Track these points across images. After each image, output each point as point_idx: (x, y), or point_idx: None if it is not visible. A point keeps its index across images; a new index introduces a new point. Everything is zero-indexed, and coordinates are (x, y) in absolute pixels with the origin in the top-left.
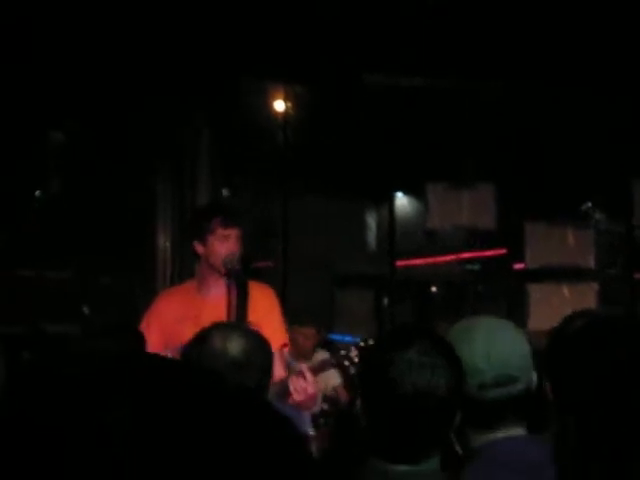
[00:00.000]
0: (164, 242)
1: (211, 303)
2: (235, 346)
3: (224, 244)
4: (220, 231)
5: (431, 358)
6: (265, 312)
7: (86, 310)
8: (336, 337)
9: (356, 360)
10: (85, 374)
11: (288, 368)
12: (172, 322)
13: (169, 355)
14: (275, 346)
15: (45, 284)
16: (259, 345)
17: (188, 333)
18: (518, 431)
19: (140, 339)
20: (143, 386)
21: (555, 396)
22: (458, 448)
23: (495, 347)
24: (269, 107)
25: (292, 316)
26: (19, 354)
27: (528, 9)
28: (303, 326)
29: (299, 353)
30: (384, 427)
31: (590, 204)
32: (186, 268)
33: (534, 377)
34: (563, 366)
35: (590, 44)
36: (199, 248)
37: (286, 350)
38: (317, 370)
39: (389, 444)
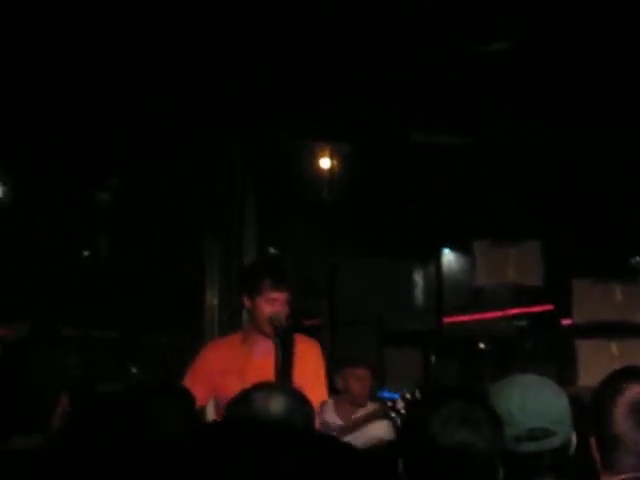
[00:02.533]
0: (212, 300)
1: (256, 359)
2: (276, 406)
3: (271, 306)
4: (268, 294)
5: (470, 414)
6: (312, 369)
7: (133, 369)
8: (385, 394)
9: (403, 411)
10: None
11: (326, 425)
12: (217, 373)
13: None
14: (315, 403)
15: (92, 343)
16: (300, 405)
17: (232, 387)
18: None
19: (187, 397)
20: None
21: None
22: None
23: (531, 401)
24: (315, 164)
25: (342, 360)
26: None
27: (564, 58)
28: (355, 367)
29: (353, 399)
30: None
31: (638, 258)
32: (234, 326)
33: (573, 433)
34: None
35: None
36: (247, 304)
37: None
38: (359, 424)
39: None
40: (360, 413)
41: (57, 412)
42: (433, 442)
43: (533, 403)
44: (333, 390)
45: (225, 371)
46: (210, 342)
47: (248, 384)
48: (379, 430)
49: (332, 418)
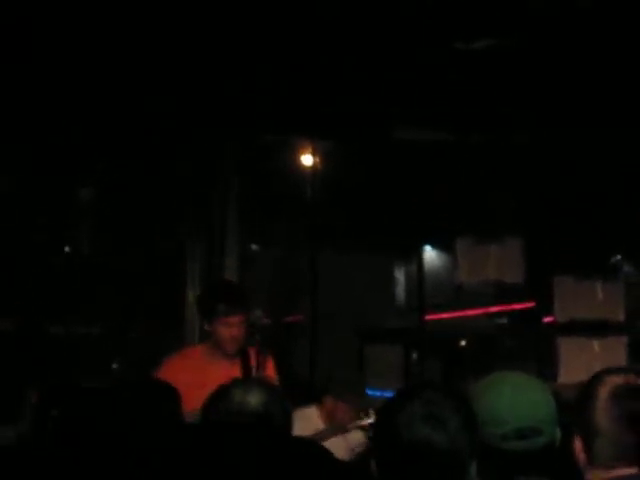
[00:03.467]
0: (193, 297)
1: (222, 372)
2: (255, 401)
3: (228, 329)
4: (224, 319)
5: (437, 411)
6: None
7: (115, 366)
8: (366, 392)
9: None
10: None
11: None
12: (181, 386)
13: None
14: None
15: (75, 340)
16: (278, 401)
17: (198, 400)
18: None
19: (171, 393)
20: None
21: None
22: None
23: (520, 400)
24: (297, 161)
25: (328, 383)
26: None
27: (549, 62)
28: (347, 399)
29: (334, 426)
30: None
31: (619, 256)
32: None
33: (558, 432)
34: None
35: (622, 101)
36: (206, 326)
37: None
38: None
39: None
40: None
41: (27, 405)
42: (398, 439)
43: (522, 402)
44: (315, 399)
45: (189, 384)
46: (170, 357)
47: None
48: (357, 436)
49: (318, 425)
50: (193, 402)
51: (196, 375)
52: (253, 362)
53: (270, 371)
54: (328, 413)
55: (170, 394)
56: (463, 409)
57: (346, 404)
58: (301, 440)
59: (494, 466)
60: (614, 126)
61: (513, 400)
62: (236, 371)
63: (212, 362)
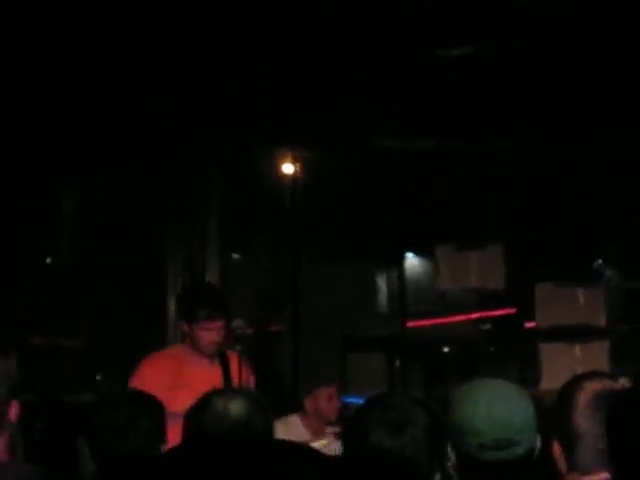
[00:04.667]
0: (175, 307)
1: (204, 372)
2: (236, 409)
3: (207, 334)
4: (204, 324)
5: (398, 418)
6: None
7: (99, 377)
8: (349, 399)
9: None
10: None
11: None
12: (162, 389)
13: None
14: None
15: (58, 352)
16: (260, 409)
17: (184, 400)
18: None
19: (155, 406)
20: None
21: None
22: None
23: (497, 410)
24: (278, 170)
25: (308, 383)
26: (32, 424)
27: (536, 71)
28: (326, 388)
29: (323, 418)
30: None
31: (600, 261)
32: None
33: (537, 440)
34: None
35: (599, 103)
36: (186, 329)
37: None
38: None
39: None
40: (329, 430)
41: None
42: (361, 444)
43: (499, 412)
44: (299, 408)
45: (172, 386)
46: (148, 358)
47: (199, 396)
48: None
49: (302, 434)
50: (174, 403)
51: (176, 376)
52: (234, 366)
53: (250, 384)
54: (312, 412)
55: (153, 406)
56: (428, 418)
57: (327, 389)
58: (285, 441)
59: (472, 476)
60: (595, 134)
61: (490, 410)
62: (216, 372)
63: (192, 362)
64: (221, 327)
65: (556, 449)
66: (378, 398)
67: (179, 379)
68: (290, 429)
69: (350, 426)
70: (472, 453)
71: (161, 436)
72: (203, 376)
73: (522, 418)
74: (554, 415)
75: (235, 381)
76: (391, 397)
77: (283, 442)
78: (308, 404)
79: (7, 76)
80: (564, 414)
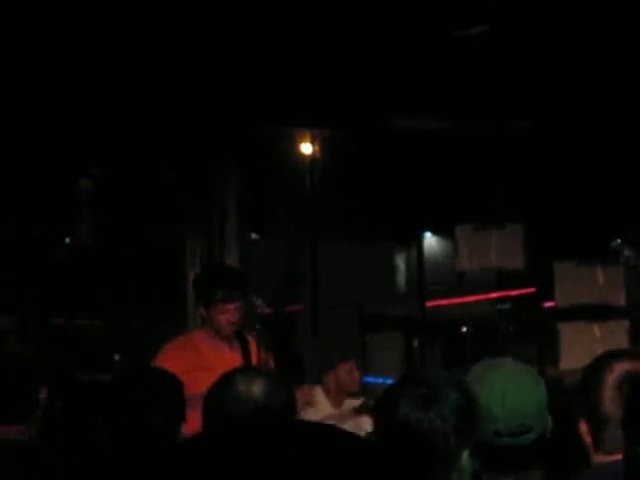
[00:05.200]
0: (194, 288)
1: (226, 355)
2: (258, 389)
3: (224, 315)
4: (221, 306)
5: (429, 393)
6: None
7: (117, 357)
8: (367, 379)
9: None
10: None
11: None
12: (184, 372)
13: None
14: None
15: (76, 332)
16: (281, 389)
17: (205, 382)
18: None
19: (174, 383)
20: None
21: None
22: None
23: (511, 397)
24: (296, 151)
25: (326, 361)
26: (52, 402)
27: (554, 51)
28: (345, 362)
29: (346, 391)
30: None
31: (620, 241)
32: None
33: (549, 422)
34: None
35: (618, 84)
36: (203, 312)
37: None
38: (346, 416)
39: None
40: (347, 404)
41: (38, 403)
42: (392, 417)
43: (513, 400)
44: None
45: (194, 368)
46: (169, 343)
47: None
48: (366, 424)
49: (325, 406)
50: (193, 386)
51: (197, 359)
52: (253, 349)
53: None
54: (332, 387)
55: (172, 383)
56: (459, 397)
57: (346, 364)
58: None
59: (486, 460)
60: (616, 114)
61: (504, 398)
62: (235, 355)
63: (211, 346)
64: (237, 308)
65: (582, 427)
66: (413, 373)
67: (199, 362)
68: (313, 400)
69: (382, 397)
70: (487, 439)
71: (181, 413)
72: (223, 359)
73: (534, 403)
74: (581, 394)
75: (254, 364)
76: (425, 373)
77: (308, 423)
78: (328, 380)
79: (37, 70)
80: (592, 394)
